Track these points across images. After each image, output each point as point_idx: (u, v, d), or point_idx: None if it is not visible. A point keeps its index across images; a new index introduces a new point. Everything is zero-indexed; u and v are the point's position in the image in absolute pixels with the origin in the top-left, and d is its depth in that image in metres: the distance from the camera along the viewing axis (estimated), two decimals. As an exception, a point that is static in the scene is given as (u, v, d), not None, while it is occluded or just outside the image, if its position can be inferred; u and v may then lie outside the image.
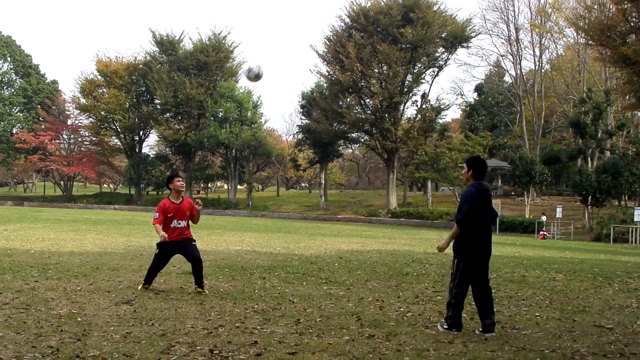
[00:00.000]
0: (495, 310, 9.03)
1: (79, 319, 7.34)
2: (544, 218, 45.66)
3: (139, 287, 9.78)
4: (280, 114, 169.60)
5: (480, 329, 7.38)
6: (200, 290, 9.71)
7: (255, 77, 10.23)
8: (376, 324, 7.73)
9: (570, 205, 51.98)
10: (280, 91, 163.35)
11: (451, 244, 7.66)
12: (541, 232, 40.62)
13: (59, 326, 6.90)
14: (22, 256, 14.12)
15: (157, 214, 9.61)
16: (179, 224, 9.68)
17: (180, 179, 9.92)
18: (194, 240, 9.95)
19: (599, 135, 48.99)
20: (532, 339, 7.13)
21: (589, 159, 50.35)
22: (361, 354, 6.13)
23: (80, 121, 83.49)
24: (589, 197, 43.67)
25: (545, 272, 14.80)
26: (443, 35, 58.49)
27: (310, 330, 7.16)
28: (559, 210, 43.85)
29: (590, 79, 62.65)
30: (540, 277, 13.68)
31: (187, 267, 12.67)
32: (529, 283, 12.54)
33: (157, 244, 9.77)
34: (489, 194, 7.53)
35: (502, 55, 73.09)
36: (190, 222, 9.93)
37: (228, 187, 79.23)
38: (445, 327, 7.38)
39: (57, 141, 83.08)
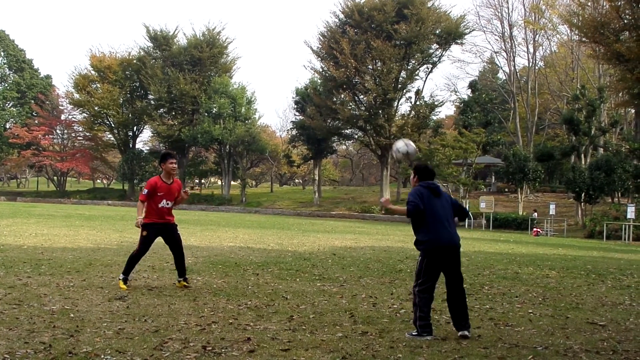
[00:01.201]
0: (488, 307, 9.07)
1: (72, 315, 7.32)
2: (535, 215, 45.74)
3: (122, 286, 9.47)
4: (274, 110, 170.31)
5: (458, 332, 6.95)
6: (185, 284, 9.67)
7: (406, 156, 8.98)
8: (369, 320, 7.73)
9: (563, 202, 52.10)
10: (274, 87, 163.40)
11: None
12: (534, 229, 40.66)
13: (51, 322, 6.89)
14: (15, 252, 14.09)
15: (146, 190, 9.51)
16: (167, 204, 9.61)
17: (174, 161, 9.79)
18: (177, 226, 9.87)
19: (593, 132, 49.05)
20: (525, 336, 7.14)
21: (583, 155, 50.39)
22: (354, 350, 6.13)
23: (74, 116, 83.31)
24: (582, 194, 43.73)
25: (538, 269, 14.83)
26: (437, 31, 58.49)
27: (304, 327, 7.16)
28: (552, 207, 43.89)
29: (583, 76, 62.75)
30: (534, 274, 13.70)
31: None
32: (522, 280, 12.56)
33: (143, 225, 9.57)
34: (435, 188, 7.20)
35: (495, 52, 73.64)
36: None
37: (222, 183, 79.21)
38: (414, 333, 6.83)
39: (50, 136, 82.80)
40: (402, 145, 8.00)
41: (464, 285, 7.31)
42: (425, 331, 6.78)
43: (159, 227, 9.61)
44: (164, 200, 9.57)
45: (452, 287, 7.08)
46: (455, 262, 7.09)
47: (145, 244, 9.67)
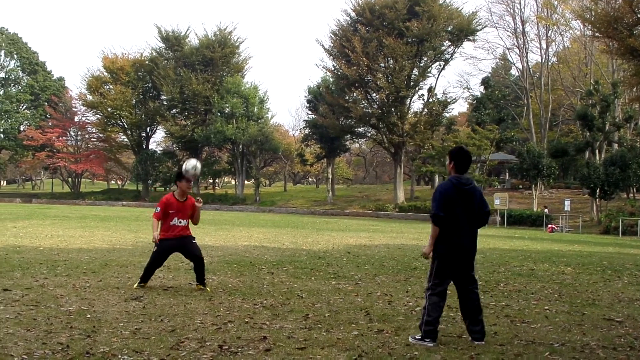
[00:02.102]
0: (504, 304, 9.04)
1: (89, 316, 7.35)
2: (546, 211, 45.65)
3: (135, 286, 9.59)
4: (286, 109, 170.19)
5: (470, 338, 6.68)
6: (202, 287, 9.61)
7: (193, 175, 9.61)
8: (385, 318, 7.73)
9: (578, 199, 51.88)
10: (286, 86, 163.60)
11: None
12: (549, 226, 40.54)
13: (68, 323, 6.91)
14: (31, 253, 14.16)
15: (158, 209, 9.44)
16: (180, 222, 9.51)
17: (190, 183, 9.70)
18: (194, 238, 9.77)
19: (607, 127, 48.85)
20: (541, 333, 7.12)
21: (597, 151, 50.22)
22: (370, 348, 6.13)
23: (87, 118, 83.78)
24: (597, 190, 43.56)
25: (554, 266, 14.78)
26: (449, 28, 58.41)
27: (319, 325, 7.16)
28: (567, 203, 43.77)
29: (597, 71, 62.44)
30: (549, 271, 13.65)
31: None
32: (537, 276, 12.52)
33: (155, 242, 9.55)
34: (467, 188, 6.73)
35: (508, 48, 73.10)
36: (190, 222, 9.76)
37: (235, 182, 79.33)
38: (417, 337, 6.55)
39: (64, 138, 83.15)
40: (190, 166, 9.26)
41: (479, 290, 7.01)
42: (429, 337, 6.46)
43: (172, 242, 9.49)
44: (176, 219, 9.48)
45: (463, 290, 6.77)
46: (469, 266, 6.76)
47: (156, 259, 9.60)
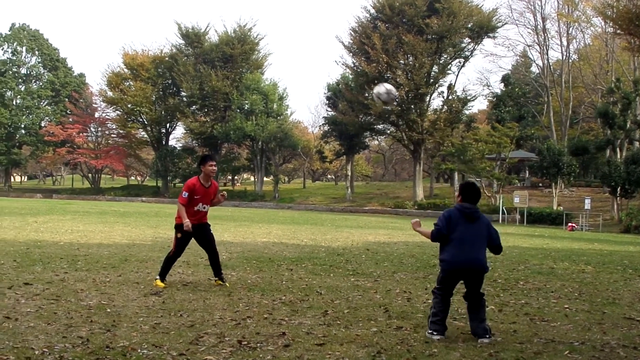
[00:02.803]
0: (523, 302, 9.01)
1: (109, 310, 7.40)
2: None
3: (160, 284, 9.38)
4: (306, 106, 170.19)
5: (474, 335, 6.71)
6: (220, 282, 9.61)
7: (386, 100, 9.27)
8: (404, 315, 7.73)
9: (598, 197, 51.56)
10: (306, 83, 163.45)
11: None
12: (569, 224, 40.31)
13: (88, 317, 6.96)
14: (52, 248, 14.25)
15: (185, 193, 9.37)
16: (204, 208, 9.56)
17: (213, 163, 9.70)
18: (210, 226, 9.85)
19: (628, 125, 48.49)
20: (561, 331, 7.08)
21: (618, 149, 49.86)
22: (389, 345, 6.12)
23: (108, 114, 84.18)
24: (618, 189, 43.25)
25: (574, 264, 14.70)
26: (469, 25, 58.17)
27: (338, 322, 7.16)
28: (587, 201, 43.47)
29: (618, 68, 61.95)
30: (569, 269, 13.59)
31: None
32: (557, 275, 12.46)
33: (177, 227, 9.54)
34: (472, 213, 6.81)
35: (528, 46, 73.03)
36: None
37: (254, 179, 79.50)
38: (429, 331, 6.67)
39: (84, 134, 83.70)
40: (383, 91, 8.23)
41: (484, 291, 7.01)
42: (436, 330, 6.58)
43: (193, 227, 9.42)
44: (201, 204, 9.51)
45: (471, 297, 6.79)
46: (475, 283, 6.78)
47: (180, 246, 9.59)
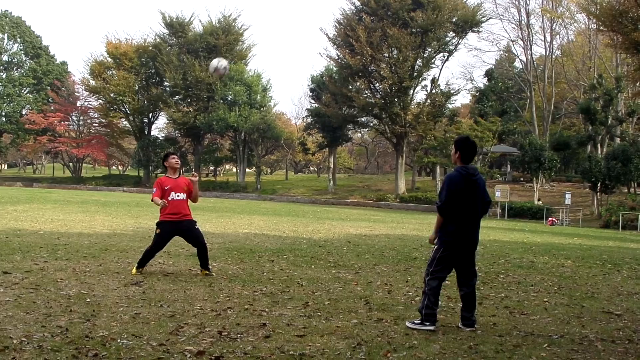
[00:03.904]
0: (503, 295, 9.06)
1: (88, 300, 7.36)
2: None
3: (133, 271, 9.61)
4: (289, 98, 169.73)
5: (460, 323, 6.85)
6: (207, 272, 9.70)
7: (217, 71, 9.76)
8: (385, 307, 7.74)
9: (579, 192, 51.89)
10: (289, 74, 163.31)
11: None
12: (550, 219, 40.55)
13: (68, 306, 6.92)
14: (32, 237, 14.18)
15: (155, 189, 9.63)
16: (178, 196, 9.61)
17: (176, 157, 9.95)
18: (196, 223, 9.90)
19: (609, 121, 48.78)
20: (540, 325, 7.13)
21: (599, 145, 50.15)
22: (369, 337, 6.14)
23: (90, 103, 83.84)
24: (598, 184, 43.56)
25: (553, 258, 14.79)
26: (453, 19, 58.20)
27: (319, 313, 7.17)
28: (567, 196, 43.74)
29: (601, 65, 62.29)
30: (549, 263, 13.67)
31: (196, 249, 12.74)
32: (537, 269, 12.53)
33: (158, 224, 9.71)
34: (475, 179, 6.84)
35: (512, 41, 72.89)
36: (190, 202, 9.90)
37: (237, 170, 79.32)
38: (416, 322, 6.68)
39: (66, 123, 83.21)
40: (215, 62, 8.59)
41: (477, 282, 7.19)
42: (429, 320, 6.61)
43: (174, 224, 9.59)
44: (174, 193, 9.59)
45: (464, 278, 6.91)
46: (471, 257, 6.92)
47: (158, 242, 9.67)
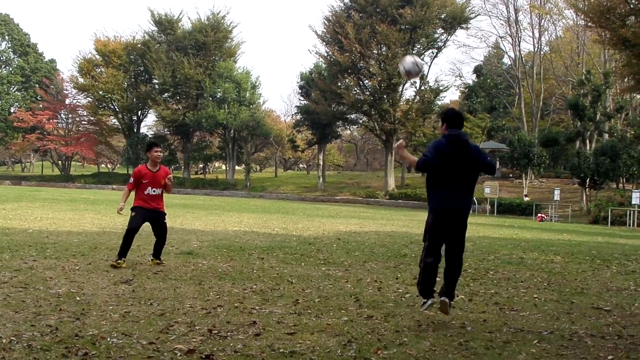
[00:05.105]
0: (493, 291, 9.08)
1: (78, 298, 7.34)
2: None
3: (112, 262, 9.93)
4: (278, 95, 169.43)
5: (438, 291, 6.87)
6: (157, 262, 10.13)
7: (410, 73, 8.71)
8: (375, 304, 7.74)
9: (568, 188, 52.05)
10: (278, 72, 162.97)
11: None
12: (539, 215, 40.64)
13: (57, 305, 6.90)
14: (20, 235, 14.12)
15: (132, 179, 10.10)
16: (154, 191, 10.06)
17: (159, 149, 10.30)
18: (165, 217, 10.37)
19: (598, 117, 48.93)
20: (530, 321, 7.15)
21: (588, 141, 50.29)
22: (360, 334, 6.14)
23: (78, 101, 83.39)
24: (587, 180, 43.68)
25: (543, 254, 14.83)
26: (442, 16, 58.30)
27: (309, 311, 7.17)
28: (556, 192, 43.87)
29: (589, 61, 62.49)
30: (538, 259, 13.70)
31: (186, 247, 12.76)
32: (527, 265, 12.56)
33: (132, 208, 10.20)
34: (466, 142, 6.71)
35: (501, 37, 73.05)
36: (164, 192, 10.34)
37: (226, 167, 79.21)
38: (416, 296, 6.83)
39: (55, 120, 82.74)
40: (409, 61, 7.85)
41: (464, 262, 7.23)
42: (423, 293, 6.74)
43: (147, 211, 10.06)
44: (150, 188, 10.01)
45: (451, 251, 6.82)
46: (460, 228, 6.79)
47: (132, 222, 10.05)
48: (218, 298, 7.76)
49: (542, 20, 65.86)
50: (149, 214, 10.10)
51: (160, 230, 10.25)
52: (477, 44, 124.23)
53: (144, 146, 11.18)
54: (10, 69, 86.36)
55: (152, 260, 10.23)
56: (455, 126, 6.78)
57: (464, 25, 60.69)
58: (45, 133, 79.39)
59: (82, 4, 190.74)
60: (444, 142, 6.67)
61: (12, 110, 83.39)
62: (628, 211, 36.24)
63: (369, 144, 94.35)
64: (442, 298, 6.72)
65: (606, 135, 53.40)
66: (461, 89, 76.12)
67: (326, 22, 61.41)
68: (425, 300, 6.72)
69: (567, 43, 68.34)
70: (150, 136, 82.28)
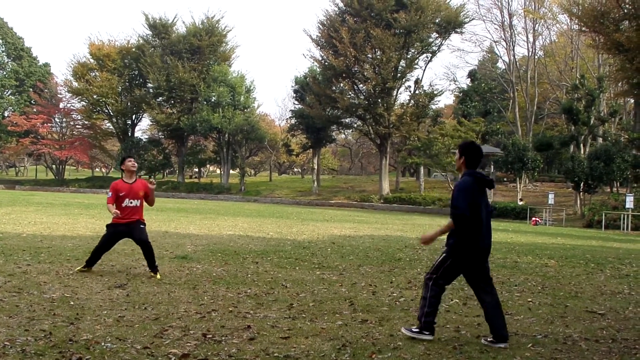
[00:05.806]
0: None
1: (72, 303, 7.33)
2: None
3: (77, 269, 9.86)
4: (273, 99, 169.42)
5: (491, 338, 6.23)
6: (153, 274, 9.70)
7: None
8: (369, 308, 7.74)
9: (562, 192, 52.17)
10: (273, 76, 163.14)
11: (444, 237, 6.44)
12: (533, 219, 40.69)
13: (51, 310, 6.89)
14: (14, 240, 14.08)
15: (110, 193, 9.89)
16: (131, 202, 9.79)
17: (132, 160, 10.21)
18: (144, 224, 9.99)
19: (592, 121, 49.02)
20: (524, 324, 7.16)
21: (582, 145, 50.38)
22: (354, 338, 6.14)
23: (73, 105, 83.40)
24: (581, 184, 43.74)
25: (537, 258, 14.85)
26: (437, 20, 58.37)
27: (303, 315, 7.17)
28: (550, 196, 43.92)
29: (583, 65, 62.66)
30: (533, 263, 13.72)
31: (180, 251, 12.73)
32: (521, 269, 12.57)
33: (107, 226, 9.95)
34: (485, 181, 6.29)
35: (495, 41, 73.33)
36: (145, 204, 10.09)
37: (220, 171, 79.17)
38: (414, 330, 6.26)
39: (49, 124, 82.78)
40: None
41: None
42: (428, 329, 6.20)
43: (122, 229, 9.78)
44: (127, 199, 9.77)
45: (483, 290, 6.37)
46: (486, 268, 6.45)
47: (105, 243, 9.88)
48: (212, 302, 7.75)
49: (536, 25, 66.08)
50: (123, 229, 9.78)
51: (139, 237, 9.74)
52: (471, 49, 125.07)
53: (118, 162, 10.98)
54: (4, 73, 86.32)
55: (149, 272, 9.81)
56: (475, 166, 6.42)
57: (458, 30, 60.83)
58: (39, 137, 79.40)
59: (77, 8, 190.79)
60: (471, 182, 6.25)
61: (6, 114, 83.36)
62: (622, 215, 36.27)
63: (364, 148, 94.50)
64: (504, 345, 6.12)
65: (600, 140, 53.52)
66: (455, 93, 76.35)
67: (321, 26, 61.46)
68: (427, 336, 6.20)
69: (561, 47, 68.52)
70: (144, 140, 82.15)
